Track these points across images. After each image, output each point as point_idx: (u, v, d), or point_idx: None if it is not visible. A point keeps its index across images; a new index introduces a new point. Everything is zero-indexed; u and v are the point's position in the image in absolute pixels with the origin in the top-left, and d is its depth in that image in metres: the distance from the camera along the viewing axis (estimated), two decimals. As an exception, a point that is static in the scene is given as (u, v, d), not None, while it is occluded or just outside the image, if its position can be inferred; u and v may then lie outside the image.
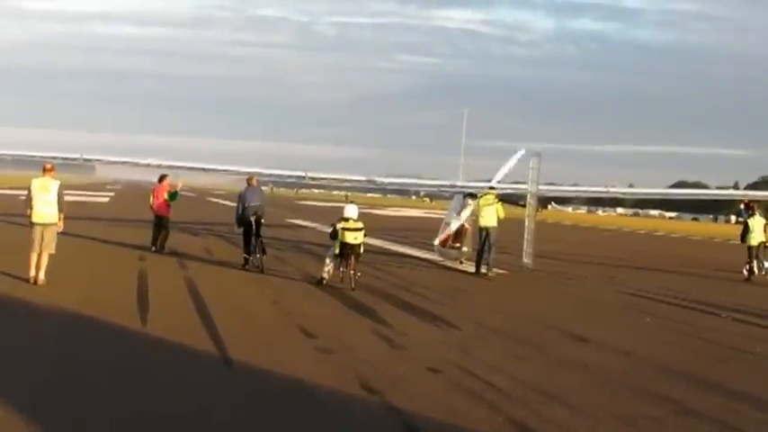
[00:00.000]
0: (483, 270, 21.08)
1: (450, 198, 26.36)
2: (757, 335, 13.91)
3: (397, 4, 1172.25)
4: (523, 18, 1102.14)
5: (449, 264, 23.36)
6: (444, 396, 8.24)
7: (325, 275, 16.77)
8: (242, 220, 19.23)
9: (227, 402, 7.63)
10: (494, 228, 21.42)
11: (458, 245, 23.15)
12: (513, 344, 11.70)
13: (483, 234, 21.44)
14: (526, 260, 22.63)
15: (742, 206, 27.34)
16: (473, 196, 23.63)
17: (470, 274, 21.29)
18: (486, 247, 21.24)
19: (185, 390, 8.08)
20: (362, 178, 29.19)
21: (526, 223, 22.83)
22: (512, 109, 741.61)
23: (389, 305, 14.62)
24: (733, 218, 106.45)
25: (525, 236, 22.76)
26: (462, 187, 24.98)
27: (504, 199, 23.37)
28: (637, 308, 16.74)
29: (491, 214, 21.55)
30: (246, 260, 19.01)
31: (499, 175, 24.39)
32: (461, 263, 23.10)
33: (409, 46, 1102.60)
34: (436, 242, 23.79)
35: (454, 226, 23.17)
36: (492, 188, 23.19)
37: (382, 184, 30.53)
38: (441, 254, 23.96)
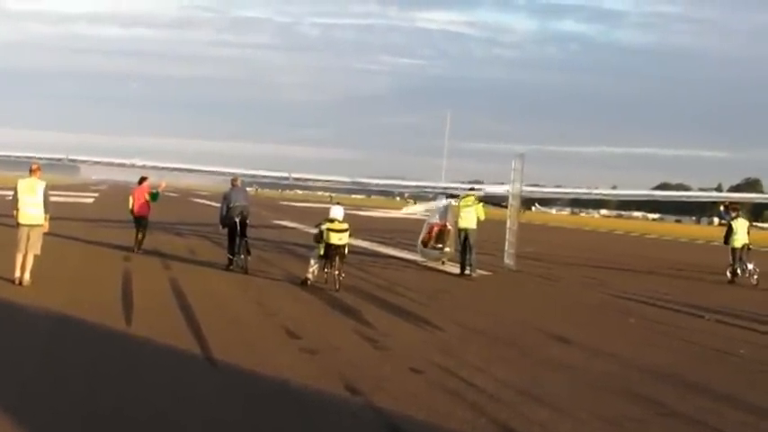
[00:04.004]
0: (467, 271, 21.09)
1: (434, 200, 26.42)
2: (741, 337, 13.98)
3: (379, 5, 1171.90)
4: (506, 20, 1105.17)
5: (431, 264, 23.38)
6: (427, 397, 8.25)
7: (310, 276, 16.75)
8: (226, 220, 19.19)
9: (211, 403, 7.63)
10: (473, 230, 21.34)
11: (440, 245, 23.17)
12: (496, 345, 11.73)
13: (462, 235, 21.43)
14: (508, 261, 22.69)
15: (722, 208, 27.44)
16: (455, 197, 23.74)
17: (453, 275, 21.31)
18: (467, 249, 21.24)
19: (169, 390, 8.06)
20: (347, 179, 29.24)
21: (508, 224, 22.89)
22: (495, 110, 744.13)
23: (373, 306, 14.63)
24: (716, 219, 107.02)
25: (507, 237, 22.82)
26: (444, 188, 25.15)
27: (486, 200, 23.43)
28: (620, 309, 16.80)
29: (470, 216, 21.50)
30: (231, 261, 18.96)
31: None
32: (443, 263, 23.12)
33: (392, 47, 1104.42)
34: (419, 243, 23.88)
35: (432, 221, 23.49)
36: (473, 189, 23.28)
37: (367, 185, 30.62)
38: (423, 254, 23.99)
